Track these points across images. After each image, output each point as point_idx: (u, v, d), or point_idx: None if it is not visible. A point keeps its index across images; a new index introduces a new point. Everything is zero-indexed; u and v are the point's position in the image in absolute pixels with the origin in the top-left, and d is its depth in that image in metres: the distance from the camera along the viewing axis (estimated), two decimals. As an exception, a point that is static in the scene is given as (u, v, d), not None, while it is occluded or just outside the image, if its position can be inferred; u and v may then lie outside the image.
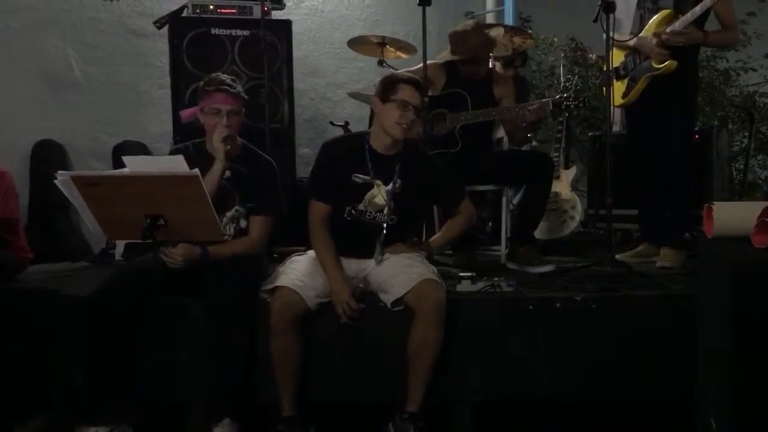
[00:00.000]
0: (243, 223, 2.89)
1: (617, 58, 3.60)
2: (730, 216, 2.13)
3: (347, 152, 2.87)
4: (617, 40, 3.39)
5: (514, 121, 3.68)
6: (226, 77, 2.88)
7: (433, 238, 3.04)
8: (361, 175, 2.82)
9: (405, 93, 2.77)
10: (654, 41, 3.35)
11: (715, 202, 2.17)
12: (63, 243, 4.82)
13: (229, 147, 2.80)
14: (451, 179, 3.03)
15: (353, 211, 2.84)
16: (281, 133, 4.34)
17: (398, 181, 2.83)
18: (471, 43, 3.67)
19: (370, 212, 2.84)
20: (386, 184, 2.83)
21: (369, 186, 2.83)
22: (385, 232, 2.82)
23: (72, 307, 2.87)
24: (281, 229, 3.04)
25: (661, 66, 3.35)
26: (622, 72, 3.59)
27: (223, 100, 2.80)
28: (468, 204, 3.01)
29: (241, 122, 2.89)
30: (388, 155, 2.86)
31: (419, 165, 2.90)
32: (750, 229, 2.00)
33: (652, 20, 3.43)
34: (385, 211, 2.83)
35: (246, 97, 2.93)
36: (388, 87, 2.80)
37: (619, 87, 3.58)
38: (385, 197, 2.82)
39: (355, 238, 2.82)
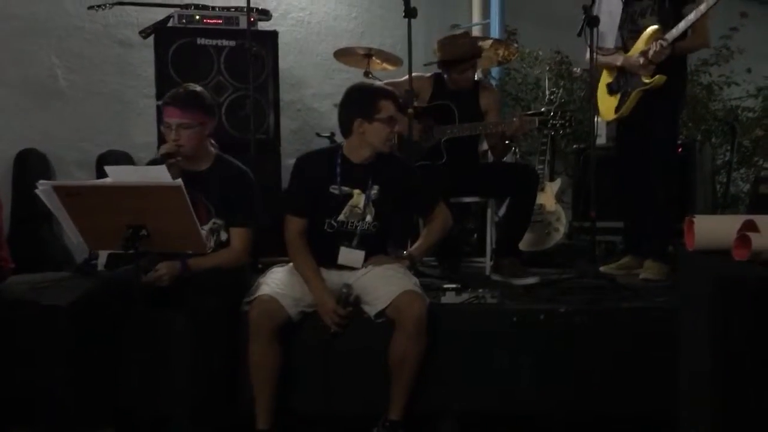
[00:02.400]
0: (224, 236, 2.87)
1: (606, 78, 3.64)
2: (711, 229, 2.14)
3: (321, 165, 2.87)
4: (603, 58, 3.43)
5: (496, 134, 3.71)
6: (193, 89, 2.86)
7: (414, 246, 3.02)
8: (339, 186, 2.82)
9: (389, 109, 2.78)
10: (641, 60, 3.37)
11: (696, 215, 2.18)
12: (45, 253, 4.77)
13: (173, 161, 2.75)
14: (425, 183, 3.02)
15: (333, 223, 2.83)
16: (267, 143, 4.34)
17: (375, 187, 2.84)
18: (460, 47, 3.72)
19: (351, 222, 2.84)
20: (364, 192, 2.83)
21: (347, 196, 2.83)
22: (357, 238, 2.82)
23: (53, 318, 2.84)
24: (266, 240, 3.03)
25: (650, 81, 3.38)
26: (614, 87, 3.61)
27: (171, 113, 2.79)
28: (443, 208, 3.01)
29: (203, 135, 2.83)
30: (363, 164, 2.86)
31: (393, 170, 2.90)
32: (730, 242, 2.02)
33: (641, 38, 3.45)
34: (366, 219, 2.83)
35: (210, 107, 2.88)
36: (370, 106, 2.79)
37: (612, 101, 3.60)
38: (365, 205, 2.82)
39: (335, 250, 2.82)
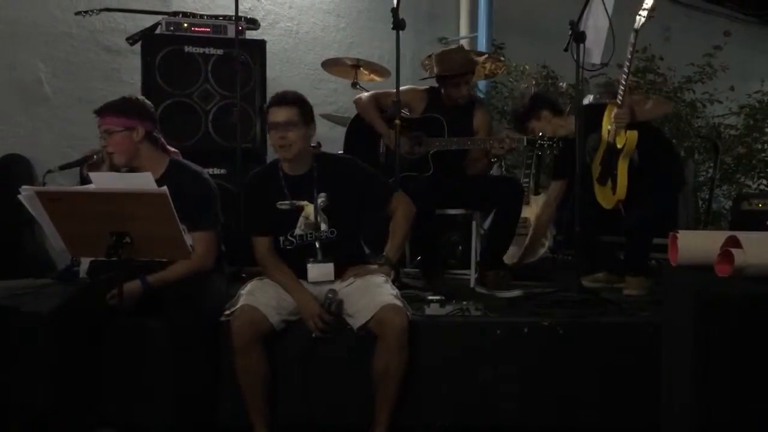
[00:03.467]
0: (189, 241, 2.85)
1: (594, 171, 3.64)
2: (694, 245, 2.16)
3: (265, 183, 2.87)
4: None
5: (480, 151, 3.73)
6: (123, 96, 2.87)
7: (387, 248, 2.96)
8: (285, 202, 2.82)
9: (272, 115, 2.79)
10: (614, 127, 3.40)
11: (680, 231, 2.20)
12: (27, 259, 4.71)
13: (92, 162, 2.81)
14: (375, 176, 2.99)
15: (291, 238, 2.83)
16: (253, 152, 4.32)
17: (323, 195, 2.83)
18: (456, 61, 3.75)
19: (309, 233, 2.83)
20: (311, 202, 2.83)
21: (297, 209, 2.82)
22: (320, 251, 2.81)
23: (33, 325, 2.80)
24: (250, 249, 3.01)
25: (622, 144, 3.37)
26: (603, 178, 3.57)
27: (99, 122, 2.81)
28: (401, 196, 2.98)
29: (132, 140, 2.79)
30: (302, 174, 2.85)
31: (336, 172, 2.88)
32: (713, 257, 2.03)
33: (604, 118, 3.50)
34: (322, 228, 2.83)
35: (139, 111, 2.83)
36: (267, 115, 2.81)
37: (607, 191, 3.54)
38: (315, 214, 2.81)
39: (303, 264, 2.81)
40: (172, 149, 2.97)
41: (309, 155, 2.87)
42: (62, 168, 2.93)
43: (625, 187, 3.41)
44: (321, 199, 2.83)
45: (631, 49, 3.26)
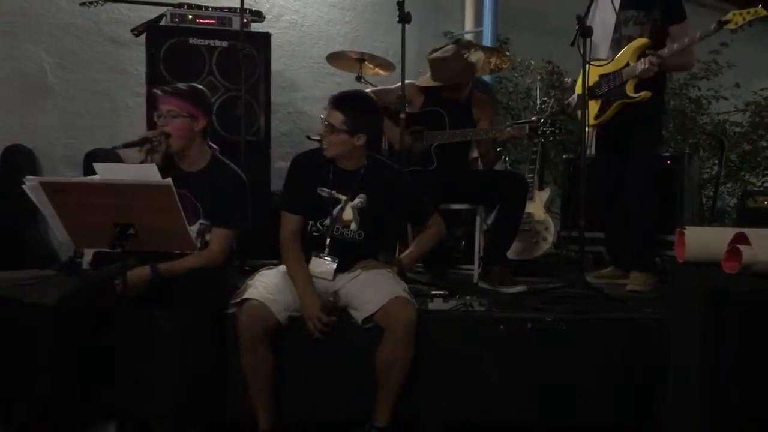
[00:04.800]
0: (209, 237, 2.85)
1: (592, 76, 3.63)
2: (701, 241, 2.15)
3: (313, 166, 2.87)
4: (594, 64, 3.44)
5: (488, 143, 3.71)
6: (192, 84, 2.91)
7: (405, 254, 3.02)
8: (327, 189, 2.82)
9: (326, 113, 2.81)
10: (645, 67, 3.35)
11: (687, 227, 2.19)
12: (30, 250, 4.72)
13: (149, 146, 2.77)
14: (418, 193, 3.02)
15: (319, 226, 2.83)
16: (257, 145, 4.32)
17: (362, 195, 2.83)
18: (450, 71, 3.71)
19: (337, 227, 2.83)
20: (352, 199, 2.83)
21: (334, 200, 2.82)
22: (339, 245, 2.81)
23: (36, 316, 2.80)
24: (254, 242, 3.00)
25: (636, 95, 3.40)
26: (596, 92, 3.62)
27: (162, 101, 2.83)
28: (437, 217, 3.01)
29: (192, 129, 2.82)
30: (352, 170, 2.85)
31: (383, 179, 2.89)
32: (720, 254, 2.02)
33: (626, 49, 3.47)
34: (351, 227, 2.82)
35: (204, 103, 2.88)
36: None
37: (592, 106, 3.62)
38: (353, 212, 2.82)
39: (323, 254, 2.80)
40: (213, 145, 2.98)
41: (361, 154, 2.85)
42: (125, 146, 2.91)
43: (609, 119, 3.54)
44: (360, 199, 2.83)
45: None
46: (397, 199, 2.91)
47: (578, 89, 3.59)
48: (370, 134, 2.84)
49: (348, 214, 2.82)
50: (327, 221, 2.83)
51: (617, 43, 3.57)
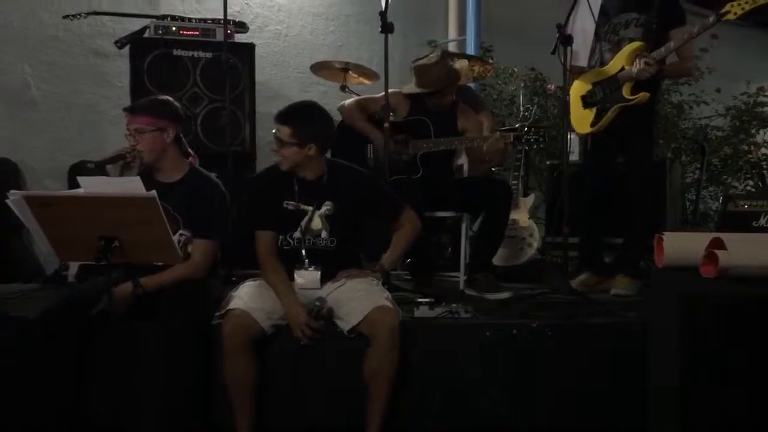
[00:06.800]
0: (191, 248, 2.85)
1: (579, 89, 3.66)
2: (679, 246, 2.18)
3: (275, 182, 2.87)
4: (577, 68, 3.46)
5: (477, 153, 3.74)
6: (155, 96, 2.95)
7: (384, 256, 2.99)
8: (293, 202, 2.83)
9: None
10: (641, 67, 3.35)
11: (665, 232, 2.22)
12: (16, 263, 4.69)
13: (121, 162, 2.81)
14: (386, 191, 3.04)
15: (289, 239, 2.84)
16: (243, 155, 4.33)
17: (329, 203, 2.84)
18: (434, 76, 3.74)
19: (308, 238, 2.84)
20: (318, 208, 2.84)
21: (301, 213, 2.83)
22: (315, 256, 2.82)
23: (20, 329, 2.79)
24: (241, 252, 3.01)
25: (633, 98, 3.40)
26: (590, 100, 3.63)
27: (129, 120, 2.82)
28: (410, 213, 3.00)
29: (162, 141, 2.82)
30: (314, 179, 2.86)
31: (347, 183, 2.90)
32: (698, 259, 2.05)
33: (621, 52, 3.47)
34: (322, 235, 2.84)
35: (170, 112, 2.87)
36: None
37: (587, 115, 3.61)
38: (321, 221, 2.83)
39: (294, 267, 2.81)
40: (192, 154, 2.98)
41: (318, 162, 2.87)
42: (97, 164, 2.92)
43: (604, 128, 3.50)
44: (327, 207, 2.84)
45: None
46: (363, 199, 2.91)
47: (576, 95, 3.60)
48: (320, 142, 2.83)
49: (317, 223, 2.83)
50: (297, 234, 2.83)
51: (617, 45, 3.56)
